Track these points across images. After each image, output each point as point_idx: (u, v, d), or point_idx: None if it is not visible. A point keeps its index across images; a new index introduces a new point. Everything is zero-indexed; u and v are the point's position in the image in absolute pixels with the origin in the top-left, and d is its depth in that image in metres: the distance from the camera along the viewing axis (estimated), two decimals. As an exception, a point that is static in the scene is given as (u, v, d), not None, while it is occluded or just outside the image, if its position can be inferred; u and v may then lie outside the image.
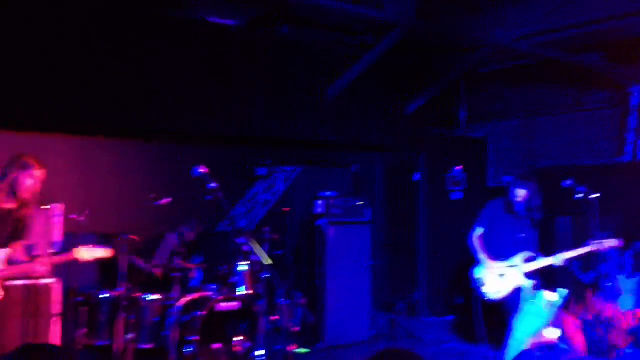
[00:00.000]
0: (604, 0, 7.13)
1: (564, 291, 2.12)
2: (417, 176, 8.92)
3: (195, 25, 6.90)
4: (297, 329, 6.66)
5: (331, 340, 7.43)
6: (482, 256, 5.94)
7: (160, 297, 5.95)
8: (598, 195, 6.12)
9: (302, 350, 6.76)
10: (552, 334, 2.04)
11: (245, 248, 5.93)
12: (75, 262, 5.86)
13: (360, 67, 7.52)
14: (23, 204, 4.64)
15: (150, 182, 6.50)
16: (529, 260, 5.78)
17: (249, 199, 8.26)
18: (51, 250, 5.79)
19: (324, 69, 7.76)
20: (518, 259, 5.81)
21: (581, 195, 6.04)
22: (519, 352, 1.97)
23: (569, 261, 5.78)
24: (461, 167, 8.60)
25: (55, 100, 6.00)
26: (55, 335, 5.49)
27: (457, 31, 7.61)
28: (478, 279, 5.94)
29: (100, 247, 5.01)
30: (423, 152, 8.90)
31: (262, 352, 5.93)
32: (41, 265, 4.71)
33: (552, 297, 1.99)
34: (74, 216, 5.75)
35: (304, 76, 7.59)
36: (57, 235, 6.00)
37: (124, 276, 5.65)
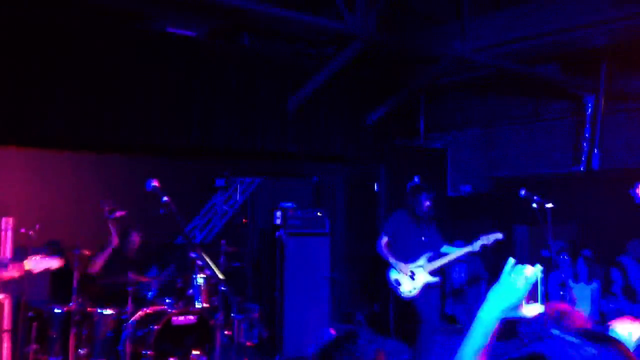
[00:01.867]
0: (560, 12, 7.26)
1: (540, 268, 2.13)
2: (377, 187, 8.95)
3: (155, 36, 6.83)
4: (252, 343, 6.62)
5: (290, 353, 7.38)
6: (392, 260, 6.59)
7: (114, 311, 5.86)
8: (552, 205, 6.25)
9: (258, 364, 6.72)
10: (533, 310, 2.04)
11: (198, 262, 5.87)
12: (27, 276, 5.78)
13: (322, 78, 7.52)
14: None
15: (104, 196, 6.39)
16: (431, 259, 6.60)
17: (207, 211, 8.20)
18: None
19: (285, 80, 7.74)
20: (422, 259, 6.60)
21: (536, 205, 6.19)
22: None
23: (465, 256, 6.69)
24: (419, 177, 8.66)
25: (7, 112, 5.87)
26: (5, 351, 5.37)
27: (417, 43, 7.67)
28: (394, 280, 6.59)
29: (50, 257, 4.96)
30: (384, 163, 8.93)
31: (219, 366, 5.88)
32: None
33: (531, 271, 2.01)
34: (24, 230, 5.64)
35: (265, 87, 7.56)
36: (7, 250, 5.86)
37: (76, 290, 5.56)
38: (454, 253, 6.64)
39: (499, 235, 6.52)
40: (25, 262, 4.80)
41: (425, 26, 8.11)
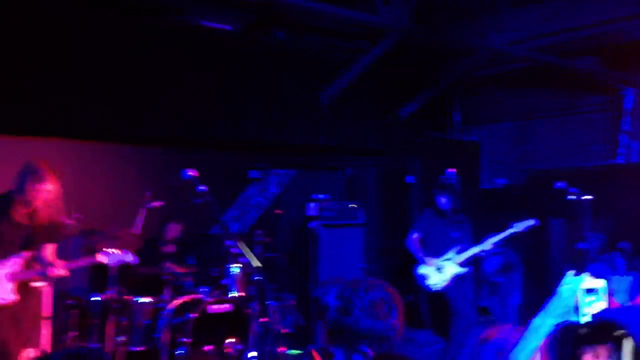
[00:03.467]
0: (598, 4, 7.16)
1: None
2: (410, 180, 8.94)
3: (190, 31, 6.91)
4: (288, 331, 6.66)
5: (323, 343, 7.40)
6: (420, 255, 6.79)
7: (152, 299, 5.95)
8: (590, 197, 6.20)
9: (293, 352, 6.75)
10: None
11: (234, 251, 5.92)
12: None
13: (355, 71, 7.53)
14: (37, 210, 4.70)
15: (142, 186, 6.49)
16: (460, 251, 6.69)
17: (241, 202, 8.25)
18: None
19: (318, 74, 7.78)
20: (451, 252, 6.71)
21: (574, 197, 6.16)
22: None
23: (497, 245, 6.74)
24: (454, 170, 8.61)
25: (48, 104, 6.01)
26: (45, 338, 5.48)
27: (451, 36, 7.63)
28: (421, 274, 6.75)
29: (120, 250, 5.15)
30: (417, 156, 8.91)
31: (254, 354, 5.93)
32: (59, 270, 4.76)
33: (594, 283, 2.05)
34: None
35: (298, 81, 7.61)
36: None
37: (115, 279, 5.65)
38: (482, 246, 6.69)
39: (532, 222, 6.54)
40: (97, 255, 5.00)
41: (460, 19, 8.04)
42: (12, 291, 4.68)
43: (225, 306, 6.00)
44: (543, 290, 8.15)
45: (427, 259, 6.72)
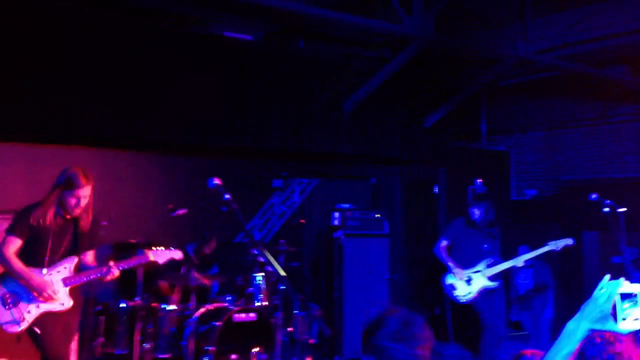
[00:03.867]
0: (628, 13, 7.07)
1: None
2: (436, 189, 8.88)
3: (213, 40, 7.01)
4: (313, 341, 6.65)
5: (349, 354, 7.38)
6: (450, 264, 6.63)
7: (178, 307, 6.00)
8: (625, 209, 6.07)
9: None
10: (629, 325, 2.09)
11: (260, 259, 5.95)
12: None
13: (379, 80, 7.53)
14: (76, 218, 4.64)
15: (167, 194, 6.59)
16: (491, 265, 6.55)
17: (265, 211, 8.30)
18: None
19: (341, 82, 7.80)
20: (482, 265, 6.57)
21: (608, 209, 6.03)
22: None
23: (531, 261, 6.67)
24: (481, 180, 8.55)
25: (75, 112, 6.15)
26: (73, 344, 5.55)
27: (477, 44, 7.60)
28: (449, 284, 6.62)
29: (169, 249, 5.11)
30: (443, 165, 8.85)
31: (279, 363, 5.94)
32: (115, 269, 4.68)
33: (632, 288, 2.04)
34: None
35: (321, 89, 7.63)
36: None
37: (141, 286, 5.72)
38: (515, 261, 6.53)
39: (569, 241, 6.39)
40: (149, 252, 4.94)
41: (486, 27, 8.02)
42: (68, 296, 4.61)
43: (251, 315, 6.01)
44: (576, 305, 8.02)
45: (456, 269, 6.59)
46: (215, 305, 6.09)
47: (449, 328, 6.90)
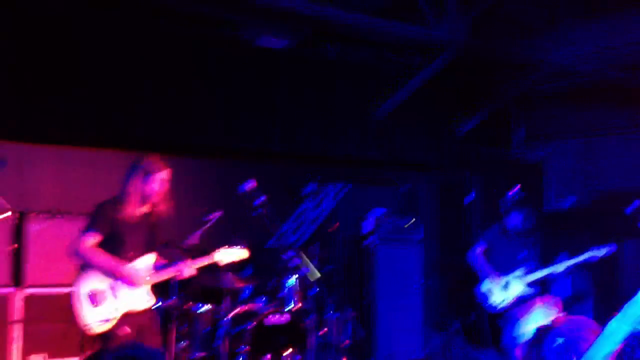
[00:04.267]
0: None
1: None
2: (470, 197, 8.82)
3: (245, 46, 7.11)
4: (347, 343, 6.64)
5: (383, 357, 7.34)
6: (485, 270, 6.52)
7: (211, 308, 6.07)
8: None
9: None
10: None
11: (293, 262, 5.97)
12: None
13: (410, 87, 7.53)
14: (155, 208, 4.52)
15: (199, 198, 6.67)
16: (528, 272, 6.42)
17: (297, 217, 8.33)
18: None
19: (371, 88, 7.82)
20: (520, 271, 6.44)
21: (643, 220, 5.96)
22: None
23: (570, 269, 6.41)
24: (517, 189, 8.47)
25: (112, 117, 6.30)
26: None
27: (512, 51, 7.56)
28: (484, 291, 6.51)
29: (237, 247, 5.04)
30: (477, 173, 8.79)
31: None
32: (188, 268, 4.60)
33: None
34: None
35: (353, 95, 7.67)
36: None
37: (176, 287, 5.79)
38: (554, 267, 6.40)
39: (611, 248, 6.26)
40: (215, 252, 4.87)
41: (521, 33, 7.98)
42: (150, 294, 4.50)
43: (283, 317, 6.04)
44: (615, 313, 7.87)
45: (492, 275, 6.48)
46: (249, 307, 6.14)
47: (487, 334, 6.79)
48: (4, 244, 5.40)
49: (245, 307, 6.11)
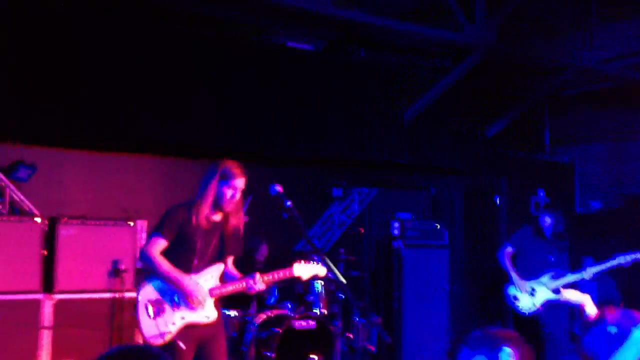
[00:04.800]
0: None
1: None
2: (498, 200, 8.75)
3: (274, 50, 7.12)
4: (373, 348, 6.62)
5: (408, 364, 7.31)
6: (512, 274, 6.46)
7: (239, 313, 6.07)
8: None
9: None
10: None
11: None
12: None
13: (439, 90, 7.49)
14: (228, 216, 4.17)
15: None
16: (556, 277, 6.34)
17: (324, 221, 8.33)
18: (138, 266, 5.99)
19: (400, 92, 7.78)
20: (546, 276, 6.37)
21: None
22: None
23: (598, 275, 6.30)
24: (544, 191, 8.40)
25: (141, 122, 6.32)
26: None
27: (539, 53, 7.49)
28: (512, 295, 6.45)
29: (315, 263, 4.55)
30: (505, 176, 8.71)
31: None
32: (259, 283, 4.18)
33: None
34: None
35: (381, 99, 7.63)
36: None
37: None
38: (581, 274, 6.30)
39: (637, 256, 6.08)
40: (294, 266, 4.44)
41: (549, 36, 7.90)
42: (214, 308, 4.12)
43: (310, 322, 6.03)
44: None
45: (519, 280, 6.41)
46: (275, 312, 6.14)
47: None
48: (34, 250, 5.42)
49: (272, 313, 6.11)
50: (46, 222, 5.51)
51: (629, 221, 8.49)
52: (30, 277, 5.36)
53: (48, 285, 5.44)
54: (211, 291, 4.07)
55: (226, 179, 4.08)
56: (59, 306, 5.41)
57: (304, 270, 4.45)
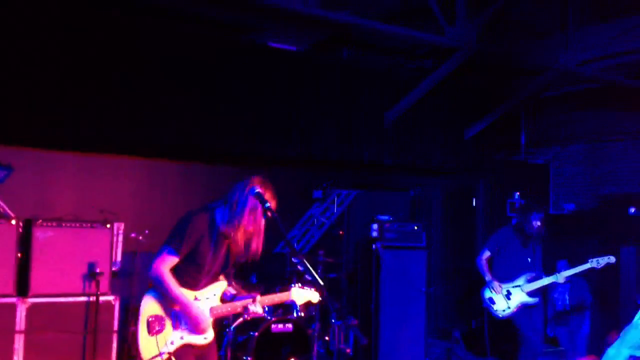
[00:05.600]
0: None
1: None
2: (476, 202, 8.80)
3: (257, 50, 7.04)
4: (349, 351, 6.64)
5: (385, 366, 7.33)
6: (487, 277, 6.51)
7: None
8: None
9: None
10: None
11: (299, 269, 5.96)
12: (133, 279, 6.03)
13: (420, 91, 7.50)
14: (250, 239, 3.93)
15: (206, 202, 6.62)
16: (531, 280, 6.39)
17: (304, 222, 8.33)
18: (114, 269, 5.91)
19: (383, 93, 7.79)
20: (521, 279, 6.43)
21: (647, 223, 5.92)
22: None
23: (570, 278, 6.39)
24: (518, 193, 8.47)
25: (122, 123, 6.21)
26: (114, 352, 5.61)
27: (519, 55, 7.53)
28: (488, 298, 6.51)
29: (310, 288, 4.38)
30: (483, 177, 8.77)
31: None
32: (258, 306, 4.07)
33: None
34: (134, 235, 5.91)
35: (363, 100, 7.63)
36: (118, 253, 6.15)
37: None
38: (555, 277, 6.34)
39: (612, 259, 6.19)
40: (292, 291, 4.28)
41: (527, 38, 7.93)
42: (212, 328, 3.99)
43: (288, 326, 6.03)
44: (613, 320, 7.88)
45: (494, 283, 6.44)
46: (253, 315, 6.10)
47: (486, 342, 6.84)
48: (9, 253, 5.30)
49: (250, 316, 6.07)
50: (21, 224, 5.39)
51: (603, 222, 8.60)
52: (5, 281, 5.25)
53: (22, 289, 5.33)
54: (211, 311, 3.95)
55: (260, 199, 3.85)
56: (34, 310, 5.31)
57: (299, 295, 4.33)
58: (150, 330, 3.81)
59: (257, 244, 3.96)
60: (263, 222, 3.91)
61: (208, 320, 3.89)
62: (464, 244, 8.77)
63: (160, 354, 3.79)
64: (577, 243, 8.40)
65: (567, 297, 8.27)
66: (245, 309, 4.05)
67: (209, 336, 3.96)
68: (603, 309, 8.16)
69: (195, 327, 3.86)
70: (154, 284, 3.84)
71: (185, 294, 3.82)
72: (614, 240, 8.02)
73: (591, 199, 9.24)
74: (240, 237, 3.87)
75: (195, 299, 3.89)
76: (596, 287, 8.22)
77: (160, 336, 3.82)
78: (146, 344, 3.80)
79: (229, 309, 4.04)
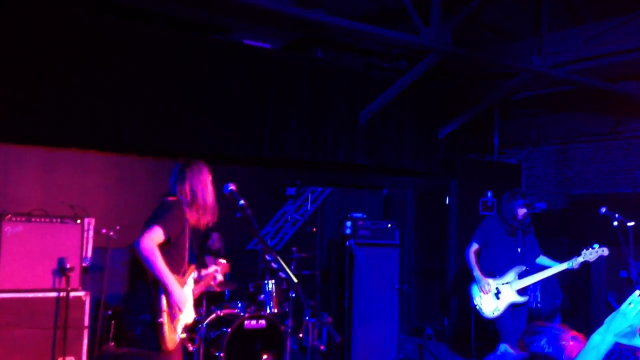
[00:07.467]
0: (641, 29, 7.07)
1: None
2: (448, 201, 8.87)
3: (232, 48, 7.02)
4: (322, 347, 6.65)
5: (358, 362, 7.35)
6: (476, 273, 6.16)
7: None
8: (633, 223, 6.05)
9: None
10: None
11: (273, 266, 5.96)
12: (104, 274, 5.97)
13: (394, 91, 7.55)
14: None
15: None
16: (521, 276, 6.08)
17: (277, 219, 8.32)
18: (84, 264, 5.86)
19: (357, 93, 7.81)
20: (511, 275, 6.10)
21: (617, 223, 5.98)
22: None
23: (560, 274, 6.15)
24: (491, 192, 8.55)
25: (95, 119, 6.16)
26: (84, 347, 5.55)
27: (493, 58, 7.60)
28: (475, 297, 6.18)
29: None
30: (455, 177, 8.85)
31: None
32: (218, 275, 4.36)
33: None
34: (104, 231, 5.86)
35: (337, 99, 7.64)
36: (89, 249, 6.07)
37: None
38: (550, 270, 6.04)
39: (605, 251, 5.90)
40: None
41: (501, 41, 8.03)
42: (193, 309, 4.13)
43: (261, 322, 6.02)
44: (583, 318, 8.00)
45: (483, 282, 6.06)
46: (226, 311, 6.10)
47: (471, 341, 6.75)
48: (-24, 247, 5.23)
49: (222, 312, 6.06)
50: (-11, 218, 5.31)
51: (573, 221, 8.73)
52: (-28, 276, 5.18)
53: (-10, 284, 5.25)
54: (193, 292, 4.18)
55: (206, 177, 4.15)
56: (2, 306, 5.22)
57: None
58: (172, 319, 3.87)
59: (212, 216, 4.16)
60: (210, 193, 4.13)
61: (189, 301, 4.06)
62: (436, 243, 8.83)
63: (179, 339, 3.96)
64: (548, 243, 8.51)
65: (537, 293, 8.36)
66: (214, 282, 4.45)
67: (193, 314, 4.16)
68: (573, 307, 8.27)
69: (185, 307, 3.97)
70: (142, 260, 3.76)
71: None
72: (583, 239, 8.14)
73: (561, 199, 9.39)
74: (201, 219, 4.08)
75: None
76: (567, 286, 8.32)
77: (177, 323, 3.95)
78: (170, 334, 3.86)
79: (203, 288, 4.40)
